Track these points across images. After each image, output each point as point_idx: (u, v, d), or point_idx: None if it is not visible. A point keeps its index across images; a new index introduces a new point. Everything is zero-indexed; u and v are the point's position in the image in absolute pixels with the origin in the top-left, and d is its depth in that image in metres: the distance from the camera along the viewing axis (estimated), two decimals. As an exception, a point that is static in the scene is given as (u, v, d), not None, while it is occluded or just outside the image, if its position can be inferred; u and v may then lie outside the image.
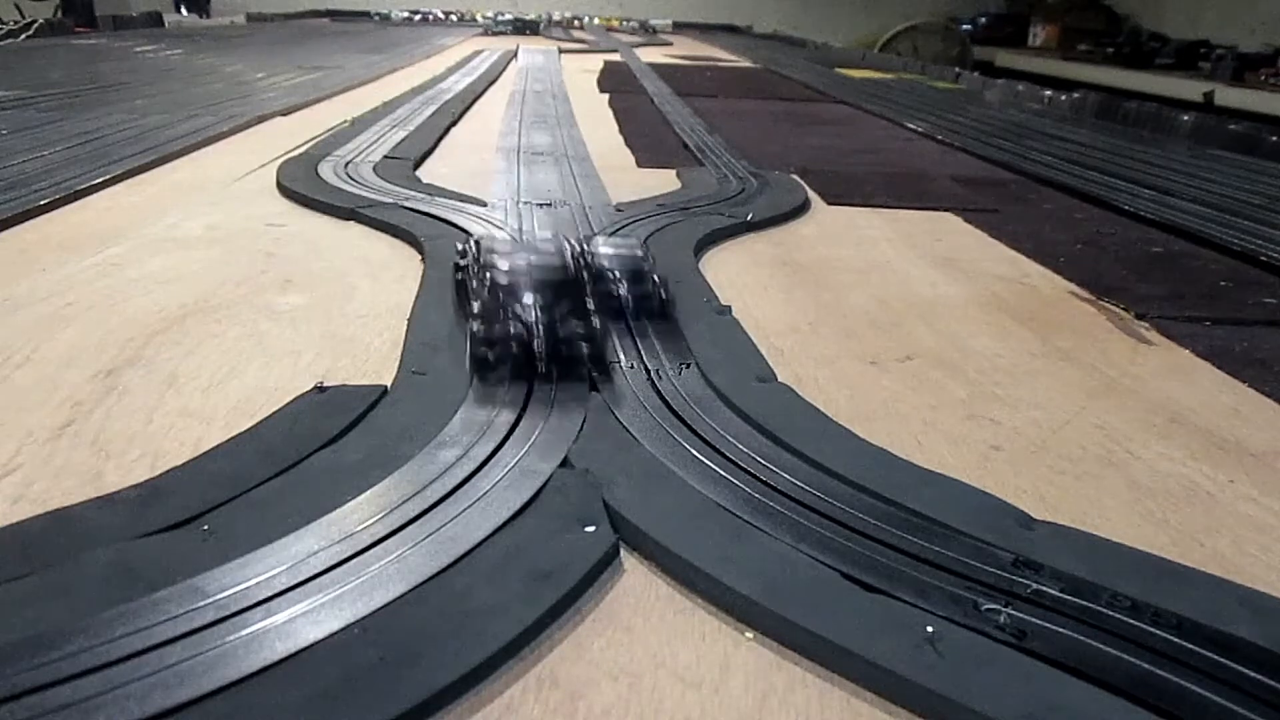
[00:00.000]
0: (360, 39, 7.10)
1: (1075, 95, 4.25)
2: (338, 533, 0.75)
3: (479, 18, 10.75)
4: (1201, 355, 1.29)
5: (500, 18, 9.50)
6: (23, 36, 5.74)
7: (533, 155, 2.53)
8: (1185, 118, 3.55)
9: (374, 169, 2.18)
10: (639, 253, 1.32)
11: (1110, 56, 8.82)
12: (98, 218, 1.76)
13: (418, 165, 2.33)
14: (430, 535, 0.75)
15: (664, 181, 2.26)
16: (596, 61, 5.91)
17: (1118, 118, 3.86)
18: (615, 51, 6.87)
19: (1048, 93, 4.43)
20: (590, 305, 1.10)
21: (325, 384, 1.03)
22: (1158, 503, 0.91)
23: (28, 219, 1.70)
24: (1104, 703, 0.61)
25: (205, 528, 0.76)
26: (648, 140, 2.92)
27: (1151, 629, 0.68)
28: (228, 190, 2.04)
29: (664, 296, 1.26)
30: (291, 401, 1.00)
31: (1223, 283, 1.64)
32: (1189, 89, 5.85)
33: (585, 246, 1.27)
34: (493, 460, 0.87)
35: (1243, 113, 4.51)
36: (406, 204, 1.85)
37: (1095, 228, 2.02)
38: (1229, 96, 5.46)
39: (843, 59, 7.20)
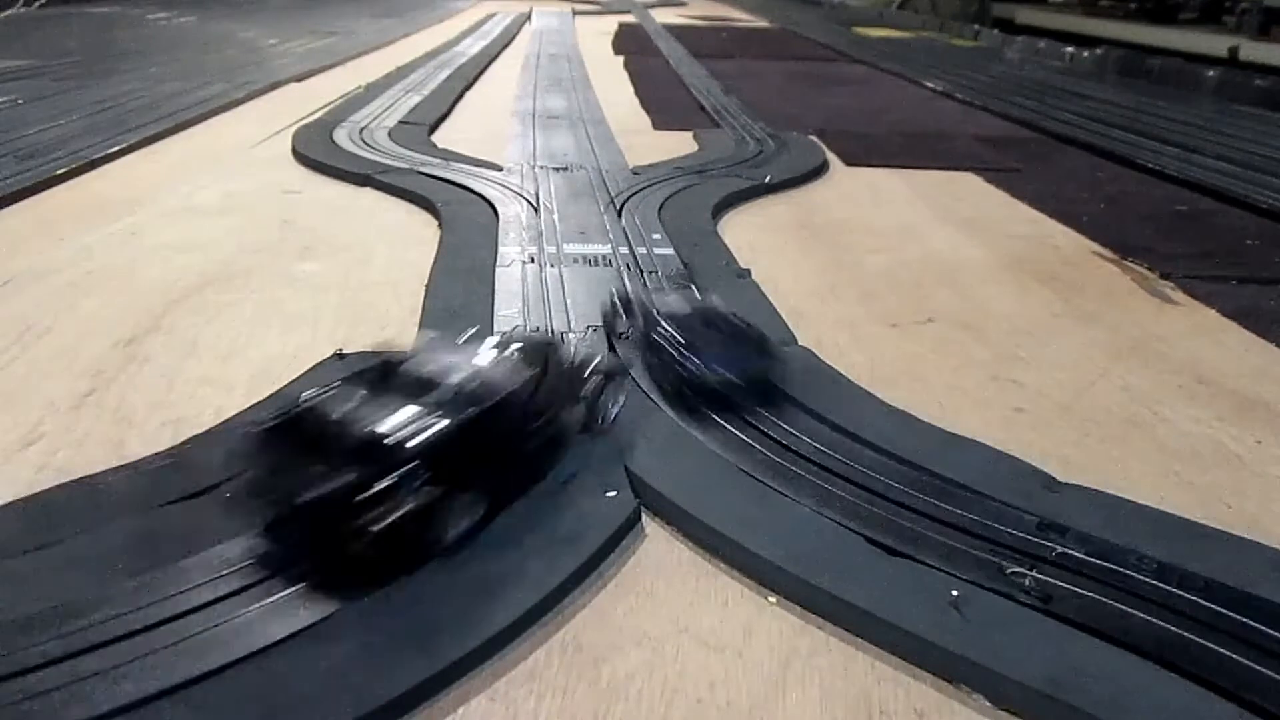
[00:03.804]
0: (373, 4, 7.04)
1: (1097, 52, 4.18)
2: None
3: (492, -20, 10.62)
4: (1228, 315, 1.27)
5: (514, -20, 9.38)
6: (36, 4, 5.73)
7: (548, 119, 2.52)
8: (1210, 73, 3.49)
9: (389, 134, 2.18)
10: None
11: (1133, 11, 8.65)
12: (115, 187, 1.76)
13: (433, 130, 2.32)
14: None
15: (681, 144, 2.24)
16: (611, 23, 5.85)
17: (1141, 74, 3.80)
18: (629, 13, 6.79)
19: (1069, 49, 4.36)
20: None
21: (344, 350, 1.03)
22: (1184, 464, 0.90)
23: (46, 189, 1.70)
24: (1130, 665, 0.61)
25: (228, 495, 0.76)
26: (664, 102, 2.90)
27: (1178, 591, 0.67)
28: (244, 157, 2.03)
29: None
30: (311, 368, 0.99)
31: (1250, 241, 1.61)
32: (1214, 44, 5.74)
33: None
34: (513, 426, 0.87)
35: (1269, 68, 4.42)
36: (422, 169, 1.84)
37: (1118, 186, 1.99)
38: (1255, 51, 5.35)
39: (860, 17, 7.10)
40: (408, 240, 1.48)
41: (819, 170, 2.02)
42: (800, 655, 0.64)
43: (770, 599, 0.70)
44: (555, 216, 1.57)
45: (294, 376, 0.98)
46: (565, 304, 1.19)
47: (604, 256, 1.38)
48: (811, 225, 1.64)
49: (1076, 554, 0.71)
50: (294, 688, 0.57)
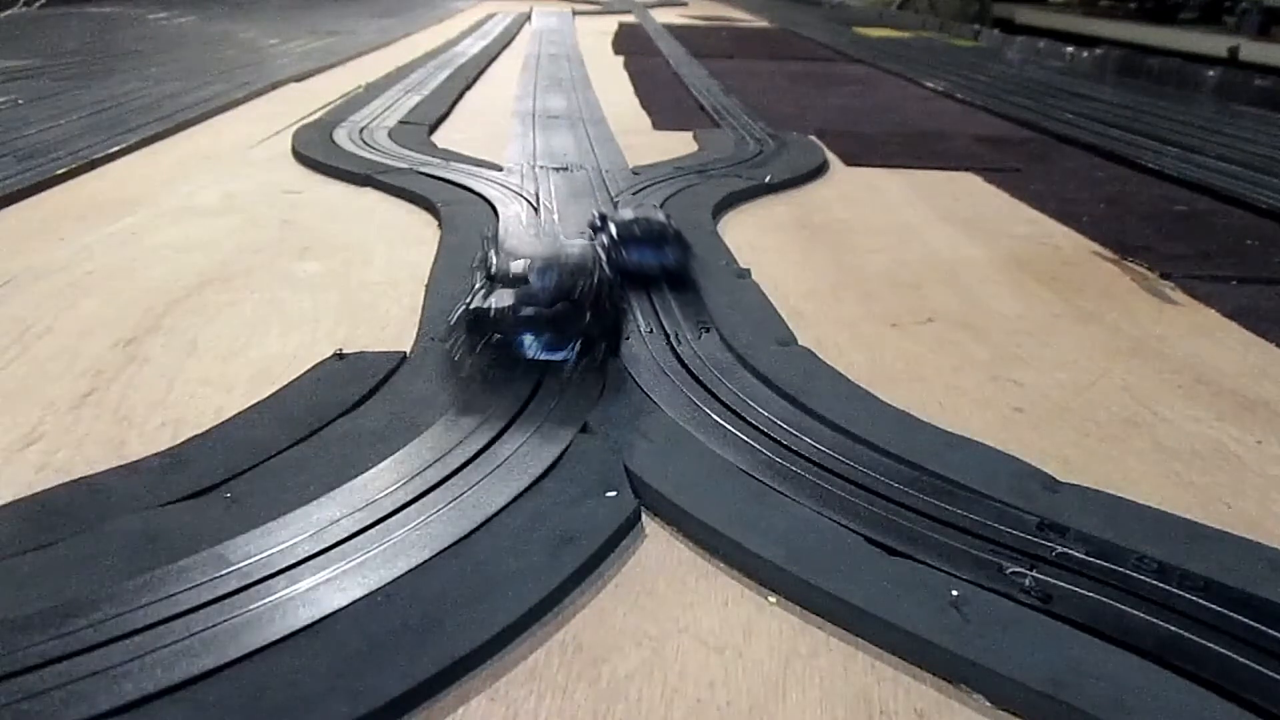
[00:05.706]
0: (373, 4, 7.04)
1: (1097, 52, 4.18)
2: (359, 500, 0.75)
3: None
4: (1228, 315, 1.27)
5: (513, -20, 9.38)
6: (36, 4, 5.73)
7: (548, 119, 2.52)
8: (1210, 73, 3.48)
9: (389, 134, 2.18)
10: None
11: (1133, 11, 8.65)
12: (115, 187, 1.76)
13: (433, 130, 2.32)
14: (452, 502, 0.75)
15: (681, 144, 2.24)
16: (611, 24, 5.86)
17: (1141, 74, 3.79)
18: (629, 13, 6.79)
19: (1069, 49, 4.36)
20: None
21: (344, 351, 1.03)
22: (1184, 464, 0.90)
23: (46, 189, 1.70)
24: (1130, 665, 0.61)
25: (228, 495, 0.76)
26: (664, 102, 2.90)
27: (1178, 591, 0.67)
28: (244, 157, 2.03)
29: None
30: (311, 369, 1.00)
31: (1250, 241, 1.61)
32: (1214, 44, 5.75)
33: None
34: (513, 426, 0.87)
35: (1269, 68, 4.42)
36: (422, 169, 1.84)
37: (1118, 186, 1.99)
38: (1255, 51, 5.35)
39: (860, 17, 7.11)
40: (408, 240, 1.48)
41: (819, 170, 2.02)
42: (800, 655, 0.64)
43: (770, 599, 0.70)
44: (555, 216, 1.57)
45: (294, 376, 0.98)
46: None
47: (604, 256, 1.37)
48: (811, 225, 1.64)
49: (1076, 554, 0.71)
50: (294, 688, 0.57)
